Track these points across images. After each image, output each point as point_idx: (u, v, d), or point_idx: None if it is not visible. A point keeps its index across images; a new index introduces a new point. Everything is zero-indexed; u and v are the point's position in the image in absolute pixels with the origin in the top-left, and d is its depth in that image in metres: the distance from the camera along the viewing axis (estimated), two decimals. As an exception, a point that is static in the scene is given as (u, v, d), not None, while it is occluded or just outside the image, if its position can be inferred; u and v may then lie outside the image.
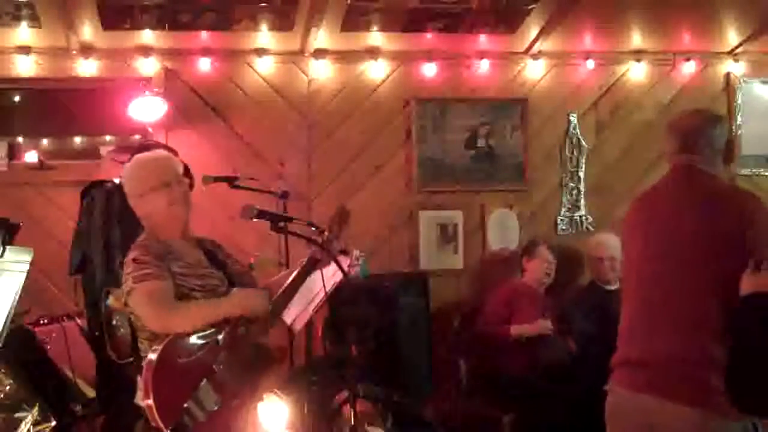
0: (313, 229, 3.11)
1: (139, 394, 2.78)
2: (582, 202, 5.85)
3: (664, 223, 2.75)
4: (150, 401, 2.59)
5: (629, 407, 2.68)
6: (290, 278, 3.03)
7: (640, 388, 2.64)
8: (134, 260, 2.81)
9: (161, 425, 2.58)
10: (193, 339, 2.75)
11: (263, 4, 4.88)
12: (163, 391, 2.62)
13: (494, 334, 4.91)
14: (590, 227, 5.81)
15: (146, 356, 2.73)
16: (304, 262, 3.04)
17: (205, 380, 2.70)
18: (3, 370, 3.76)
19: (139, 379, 2.82)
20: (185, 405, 2.63)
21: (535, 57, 5.71)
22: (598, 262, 5.23)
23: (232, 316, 2.82)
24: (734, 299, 2.46)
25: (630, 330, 2.78)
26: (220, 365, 2.75)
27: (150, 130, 5.15)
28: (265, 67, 5.39)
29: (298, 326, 3.76)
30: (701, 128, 2.82)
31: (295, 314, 3.33)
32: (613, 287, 5.16)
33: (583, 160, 5.85)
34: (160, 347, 2.67)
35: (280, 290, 3.01)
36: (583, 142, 5.84)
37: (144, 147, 4.35)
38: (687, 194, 2.76)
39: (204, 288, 2.87)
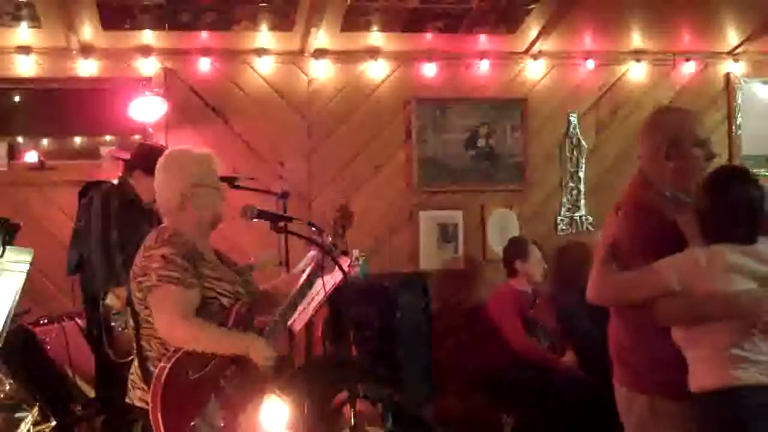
0: (313, 229, 3.10)
1: (135, 393, 2.75)
2: (582, 202, 5.86)
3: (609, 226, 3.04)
4: (158, 417, 2.51)
5: None
6: (297, 287, 2.98)
7: None
8: (163, 257, 2.67)
9: None
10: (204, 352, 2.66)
11: (263, 4, 4.88)
12: (172, 406, 2.53)
13: (545, 361, 4.80)
14: (590, 227, 5.81)
15: (148, 360, 2.69)
16: (308, 270, 2.99)
17: (213, 396, 2.63)
18: (3, 370, 3.76)
19: (132, 376, 2.79)
20: (192, 423, 2.56)
21: (535, 57, 5.71)
22: None
23: (238, 354, 2.70)
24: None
25: None
26: (227, 380, 2.68)
27: (150, 130, 5.16)
28: (265, 67, 5.39)
29: (298, 326, 3.76)
30: (642, 131, 3.06)
31: (295, 315, 3.32)
32: None
33: (583, 160, 5.85)
34: (172, 360, 2.58)
35: (287, 300, 2.95)
36: (583, 142, 5.85)
37: (148, 147, 4.36)
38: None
39: (231, 294, 2.80)
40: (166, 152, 2.97)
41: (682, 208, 2.82)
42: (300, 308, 3.19)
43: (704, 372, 2.64)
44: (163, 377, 2.56)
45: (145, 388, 2.68)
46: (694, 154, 2.89)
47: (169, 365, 2.57)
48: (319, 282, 2.99)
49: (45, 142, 5.49)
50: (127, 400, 2.80)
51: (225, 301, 2.77)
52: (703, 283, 2.63)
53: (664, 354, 2.76)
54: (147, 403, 2.68)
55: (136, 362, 2.77)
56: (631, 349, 2.90)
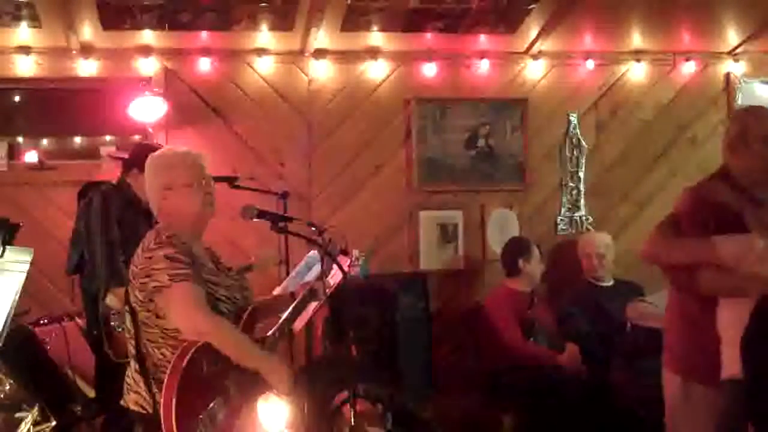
0: (313, 229, 3.11)
1: (130, 396, 2.74)
2: (582, 202, 5.85)
3: None
4: (171, 406, 2.49)
5: None
6: (290, 307, 3.06)
7: None
8: (167, 257, 2.65)
9: None
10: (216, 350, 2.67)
11: (263, 4, 4.88)
12: (185, 399, 2.52)
13: (545, 359, 4.82)
14: (590, 227, 5.81)
15: (148, 363, 2.68)
16: (303, 293, 3.09)
17: (218, 396, 2.64)
18: (3, 370, 3.76)
19: (128, 380, 2.78)
20: (200, 416, 2.56)
21: (535, 57, 5.71)
22: (587, 258, 5.27)
23: (252, 367, 2.72)
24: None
25: None
26: (231, 382, 2.68)
27: (150, 130, 5.16)
28: (265, 67, 5.38)
29: (298, 326, 3.77)
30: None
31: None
32: (605, 283, 5.18)
33: (583, 160, 5.84)
34: (189, 352, 2.57)
35: (282, 318, 3.01)
36: (583, 142, 5.84)
37: (146, 147, 4.36)
38: None
39: (229, 299, 2.79)
40: (149, 155, 2.94)
41: (755, 203, 2.89)
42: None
43: (734, 360, 2.68)
44: (181, 369, 2.54)
45: (141, 391, 2.68)
46: (760, 149, 2.95)
47: (184, 363, 2.56)
48: (314, 272, 3.03)
49: (45, 142, 5.49)
50: (122, 403, 2.78)
51: (223, 306, 2.77)
52: (753, 267, 2.67)
53: (701, 340, 2.88)
54: (142, 407, 2.67)
55: (132, 365, 2.76)
56: (674, 332, 3.13)
